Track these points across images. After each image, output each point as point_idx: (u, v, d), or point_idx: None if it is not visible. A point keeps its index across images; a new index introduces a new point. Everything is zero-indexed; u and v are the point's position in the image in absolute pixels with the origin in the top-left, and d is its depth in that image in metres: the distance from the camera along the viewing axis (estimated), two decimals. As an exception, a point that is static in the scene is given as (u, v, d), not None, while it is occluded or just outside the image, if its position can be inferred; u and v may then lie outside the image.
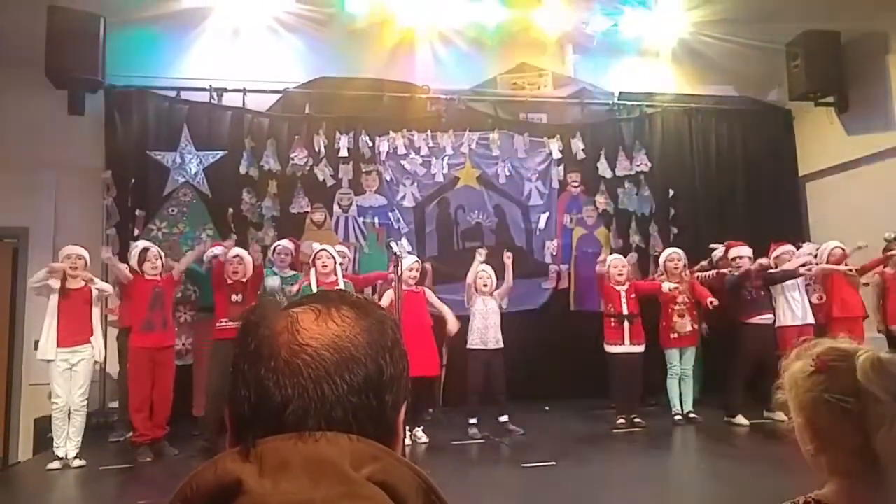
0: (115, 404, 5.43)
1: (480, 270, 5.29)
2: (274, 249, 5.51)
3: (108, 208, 5.78)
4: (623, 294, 5.31)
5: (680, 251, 5.69)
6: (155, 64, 6.11)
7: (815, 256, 5.61)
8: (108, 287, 4.88)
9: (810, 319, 5.34)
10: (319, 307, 0.65)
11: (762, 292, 5.33)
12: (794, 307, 5.35)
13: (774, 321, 5.32)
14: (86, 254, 4.67)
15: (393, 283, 4.53)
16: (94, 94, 5.72)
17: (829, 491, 1.01)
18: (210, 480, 0.57)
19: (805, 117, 7.19)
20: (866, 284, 5.50)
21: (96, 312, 4.62)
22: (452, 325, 5.15)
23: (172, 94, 6.12)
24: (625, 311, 5.28)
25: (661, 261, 5.73)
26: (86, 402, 4.50)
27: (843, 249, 5.44)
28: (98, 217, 5.87)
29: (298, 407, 0.60)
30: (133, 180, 5.85)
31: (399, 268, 3.95)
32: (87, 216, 5.85)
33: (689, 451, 4.97)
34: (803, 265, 5.38)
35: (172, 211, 5.95)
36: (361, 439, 0.59)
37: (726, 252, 5.61)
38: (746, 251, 5.49)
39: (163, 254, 4.93)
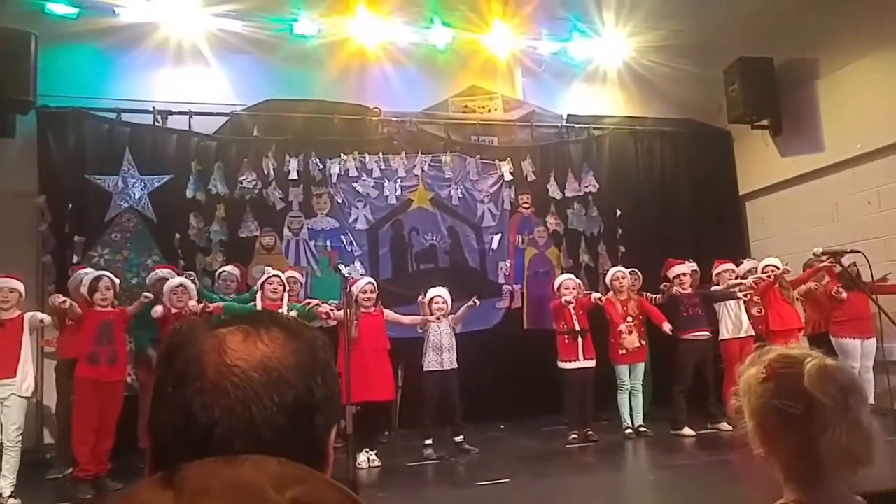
0: (51, 440, 5.14)
1: (435, 295, 5.30)
2: (219, 276, 5.39)
3: (43, 235, 5.50)
4: (572, 310, 5.42)
5: (625, 270, 5.86)
6: (94, 84, 5.89)
7: (755, 272, 5.87)
8: (46, 318, 4.60)
9: (751, 332, 5.58)
10: (248, 328, 0.64)
11: (699, 309, 5.54)
12: (735, 321, 5.61)
13: (711, 336, 5.55)
14: (19, 286, 4.41)
15: (343, 307, 4.50)
16: (25, 116, 5.45)
17: (787, 500, 1.04)
18: None
19: (743, 139, 7.52)
20: (798, 298, 5.79)
21: (28, 343, 4.35)
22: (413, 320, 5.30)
23: (113, 115, 5.91)
24: (577, 327, 5.38)
25: (607, 279, 5.88)
26: (20, 438, 4.23)
27: (777, 267, 5.72)
28: (30, 244, 5.57)
29: (226, 429, 0.58)
30: (70, 205, 5.59)
31: (350, 291, 3.92)
32: (17, 244, 5.49)
33: (640, 463, 5.06)
34: (737, 286, 5.62)
35: (115, 237, 5.72)
36: (288, 462, 0.58)
37: (667, 270, 5.81)
38: (686, 268, 5.72)
39: (117, 282, 4.67)
